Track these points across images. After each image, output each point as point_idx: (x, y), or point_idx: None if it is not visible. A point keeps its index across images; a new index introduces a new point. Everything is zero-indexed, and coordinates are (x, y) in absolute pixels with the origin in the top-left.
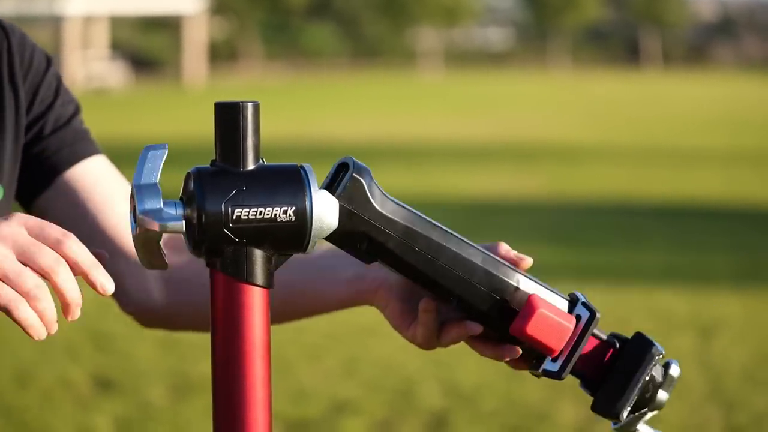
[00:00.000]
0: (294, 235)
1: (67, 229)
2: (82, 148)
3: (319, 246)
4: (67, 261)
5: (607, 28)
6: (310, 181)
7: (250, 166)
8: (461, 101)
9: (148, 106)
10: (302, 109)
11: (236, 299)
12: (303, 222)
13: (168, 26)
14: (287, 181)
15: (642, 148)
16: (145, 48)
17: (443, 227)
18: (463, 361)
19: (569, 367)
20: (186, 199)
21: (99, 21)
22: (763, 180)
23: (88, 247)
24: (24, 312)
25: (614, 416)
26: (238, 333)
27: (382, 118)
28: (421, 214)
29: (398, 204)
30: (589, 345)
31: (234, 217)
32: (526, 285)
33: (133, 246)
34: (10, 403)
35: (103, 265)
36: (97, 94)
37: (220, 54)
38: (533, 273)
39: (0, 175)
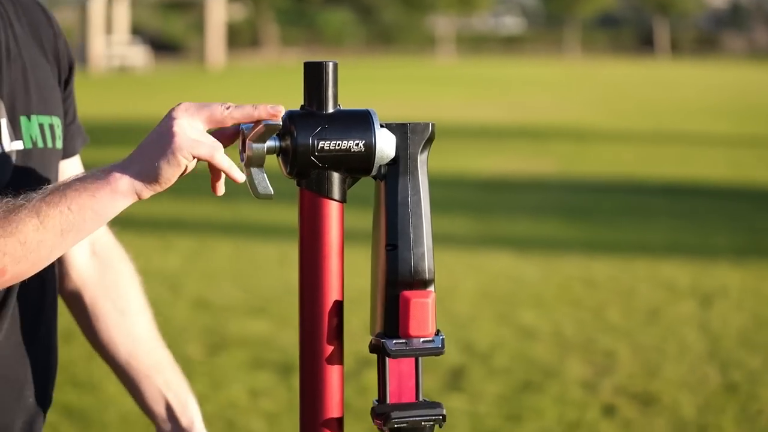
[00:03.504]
0: (363, 162)
1: None
2: (74, 145)
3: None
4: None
5: (619, 16)
6: (375, 122)
7: (330, 110)
8: (475, 85)
9: (170, 84)
10: None
11: (318, 211)
12: (370, 152)
13: (186, 10)
14: (358, 121)
15: (650, 131)
16: (165, 31)
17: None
18: (478, 324)
19: (398, 354)
20: (282, 135)
21: (120, 4)
22: (766, 164)
23: None
24: (222, 157)
25: None
26: (319, 236)
27: (398, 100)
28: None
29: (424, 179)
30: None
31: (318, 148)
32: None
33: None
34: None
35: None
36: (120, 72)
37: (237, 39)
38: (546, 247)
39: (62, 130)
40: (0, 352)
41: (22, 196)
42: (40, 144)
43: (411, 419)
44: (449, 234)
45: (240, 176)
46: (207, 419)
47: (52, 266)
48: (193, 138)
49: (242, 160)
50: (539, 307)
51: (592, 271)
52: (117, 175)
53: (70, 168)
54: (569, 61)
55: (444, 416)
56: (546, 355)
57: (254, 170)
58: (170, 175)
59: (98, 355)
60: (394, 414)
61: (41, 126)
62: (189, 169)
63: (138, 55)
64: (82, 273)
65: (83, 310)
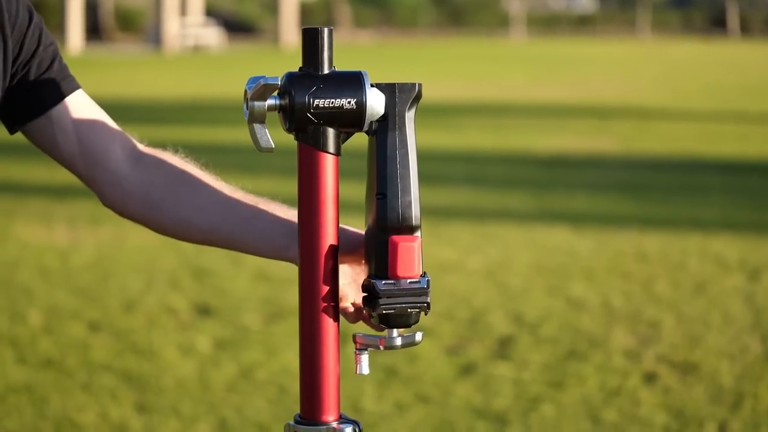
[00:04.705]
0: (355, 118)
1: (56, 150)
2: (64, 86)
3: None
4: None
5: None
6: (366, 82)
7: (326, 71)
8: (544, 64)
9: (243, 63)
10: (390, 68)
11: (315, 163)
12: (361, 109)
13: None
14: (351, 81)
15: (712, 110)
16: (239, 13)
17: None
18: (529, 295)
19: (387, 293)
20: (282, 93)
21: None
22: None
23: (75, 164)
24: None
25: None
26: (316, 186)
27: (466, 79)
28: (414, 153)
29: (411, 134)
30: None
31: (314, 105)
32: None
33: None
34: (119, 326)
35: None
36: (194, 52)
37: (311, 20)
38: (601, 222)
39: None
40: None
41: None
42: None
43: (398, 305)
44: (507, 209)
45: None
46: (260, 385)
47: None
48: None
49: (246, 116)
50: (590, 279)
51: (644, 245)
52: None
53: (72, 110)
54: (640, 41)
55: (428, 304)
56: (592, 326)
57: (256, 126)
58: None
59: (204, 245)
60: (382, 301)
61: None
62: None
63: (212, 36)
64: (136, 180)
65: (158, 207)
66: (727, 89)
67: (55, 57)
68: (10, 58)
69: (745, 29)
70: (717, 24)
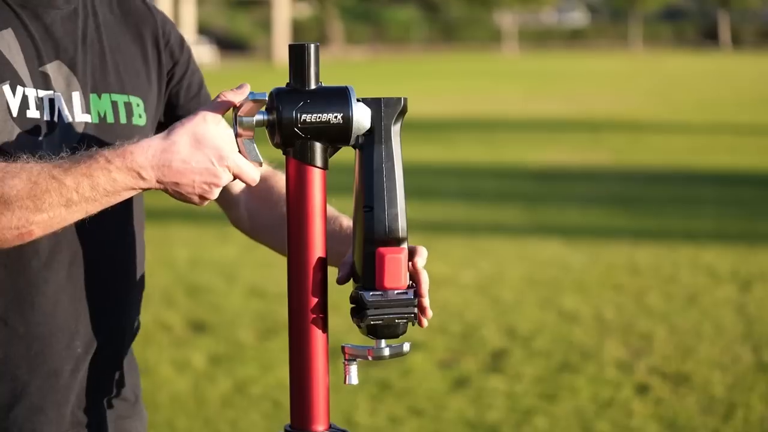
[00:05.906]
0: (341, 132)
1: None
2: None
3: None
4: None
5: (682, 9)
6: (352, 97)
7: (313, 86)
8: (537, 79)
9: (237, 80)
10: (383, 83)
11: (303, 177)
12: (347, 124)
13: (253, 8)
14: (337, 96)
15: (705, 122)
16: (232, 30)
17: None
18: (522, 308)
19: (374, 304)
20: (269, 109)
21: (187, 3)
22: None
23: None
24: None
25: None
26: (303, 199)
27: (460, 94)
28: (400, 168)
29: (397, 147)
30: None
31: (301, 120)
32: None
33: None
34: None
35: None
36: None
37: (303, 37)
38: (593, 235)
39: (147, 108)
40: (55, 304)
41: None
42: (110, 119)
43: (386, 316)
44: (500, 223)
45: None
46: (255, 400)
47: (115, 233)
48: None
49: (234, 132)
50: (582, 292)
51: (636, 258)
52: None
53: None
54: (632, 54)
55: (415, 314)
56: (585, 338)
57: (245, 141)
58: None
59: None
60: (370, 312)
61: (114, 103)
62: None
63: (205, 53)
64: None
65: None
66: (720, 101)
67: (201, 86)
68: (165, 71)
69: (737, 41)
70: (709, 36)
